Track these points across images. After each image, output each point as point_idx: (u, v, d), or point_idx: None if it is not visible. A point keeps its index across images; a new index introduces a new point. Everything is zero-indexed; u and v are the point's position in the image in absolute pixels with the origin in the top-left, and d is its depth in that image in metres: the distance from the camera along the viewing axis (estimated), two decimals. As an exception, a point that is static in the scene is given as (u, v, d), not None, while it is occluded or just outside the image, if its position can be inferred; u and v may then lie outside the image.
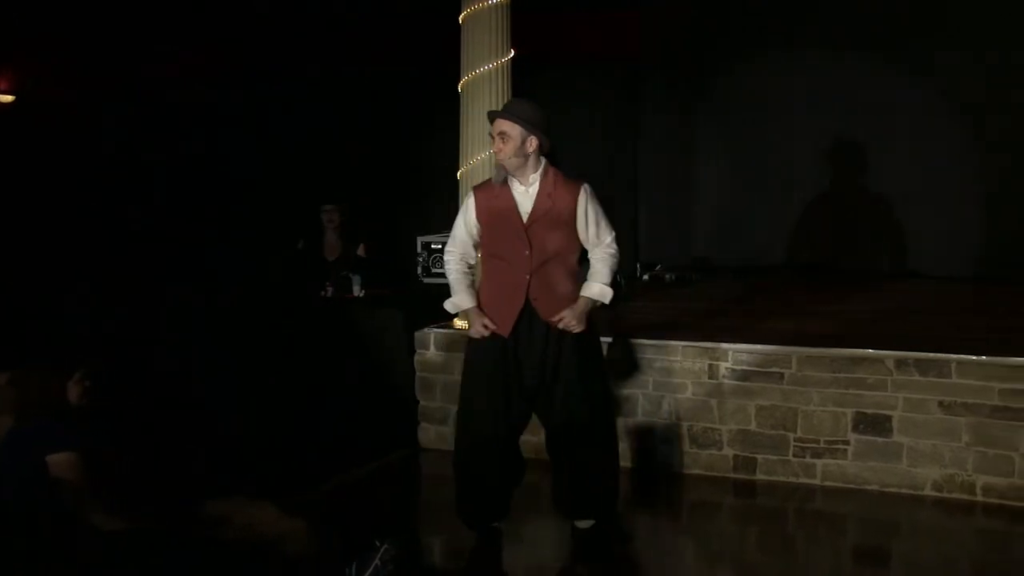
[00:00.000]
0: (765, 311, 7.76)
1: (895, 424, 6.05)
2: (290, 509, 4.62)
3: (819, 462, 6.19)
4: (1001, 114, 9.19)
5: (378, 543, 4.44)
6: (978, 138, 9.30)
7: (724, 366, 6.37)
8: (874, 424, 6.09)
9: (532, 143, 5.02)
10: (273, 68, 11.06)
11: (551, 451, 5.35)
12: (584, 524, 5.38)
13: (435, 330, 7.06)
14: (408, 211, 10.68)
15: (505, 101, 6.91)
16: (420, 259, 9.31)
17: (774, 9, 9.91)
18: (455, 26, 6.91)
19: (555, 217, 5.05)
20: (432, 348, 7.01)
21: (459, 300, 5.23)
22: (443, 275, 9.53)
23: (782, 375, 6.25)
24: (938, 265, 9.44)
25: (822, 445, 6.19)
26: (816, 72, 9.67)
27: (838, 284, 9.15)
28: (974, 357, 5.92)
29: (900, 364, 6.05)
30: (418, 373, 7.05)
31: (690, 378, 6.42)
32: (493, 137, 5.08)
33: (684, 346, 6.45)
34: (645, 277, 9.72)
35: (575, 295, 5.12)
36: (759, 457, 6.31)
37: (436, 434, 6.99)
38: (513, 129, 5.00)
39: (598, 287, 5.14)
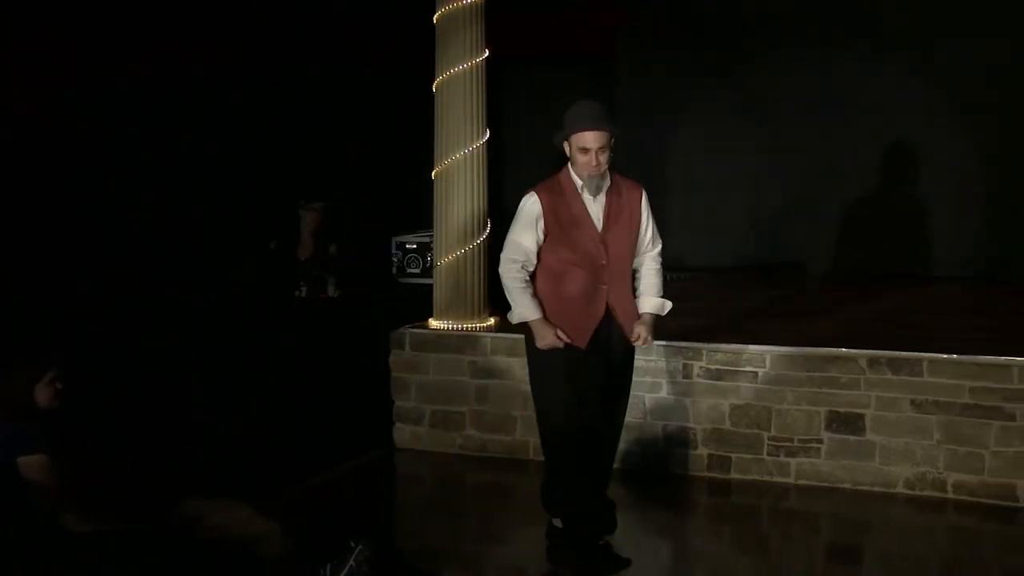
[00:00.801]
0: (743, 311, 7.77)
1: (868, 423, 6.09)
2: (264, 510, 4.60)
3: (793, 461, 6.22)
4: (1003, 114, 9.13)
5: (352, 544, 4.43)
6: (979, 137, 9.21)
7: (698, 365, 6.39)
8: (847, 423, 6.13)
9: (613, 144, 4.85)
10: (252, 67, 11.02)
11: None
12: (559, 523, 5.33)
13: (410, 330, 7.05)
14: (385, 211, 10.65)
15: (481, 100, 6.93)
16: (395, 259, 9.31)
17: (757, 6, 9.85)
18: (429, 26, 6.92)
19: (625, 222, 4.91)
20: (407, 348, 7.00)
21: (525, 311, 4.90)
22: (417, 275, 9.62)
23: (756, 374, 6.28)
24: (938, 266, 9.35)
25: (796, 444, 6.22)
26: (800, 69, 9.58)
27: (829, 284, 9.15)
28: (945, 356, 5.96)
29: (873, 363, 6.09)
30: (393, 373, 7.04)
31: (664, 377, 6.44)
32: (587, 151, 4.76)
33: (659, 345, 6.46)
34: None
35: (634, 301, 5.02)
36: (733, 456, 6.33)
37: (411, 434, 6.99)
38: (607, 138, 4.78)
39: (659, 300, 5.03)
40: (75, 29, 9.64)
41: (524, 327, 5.03)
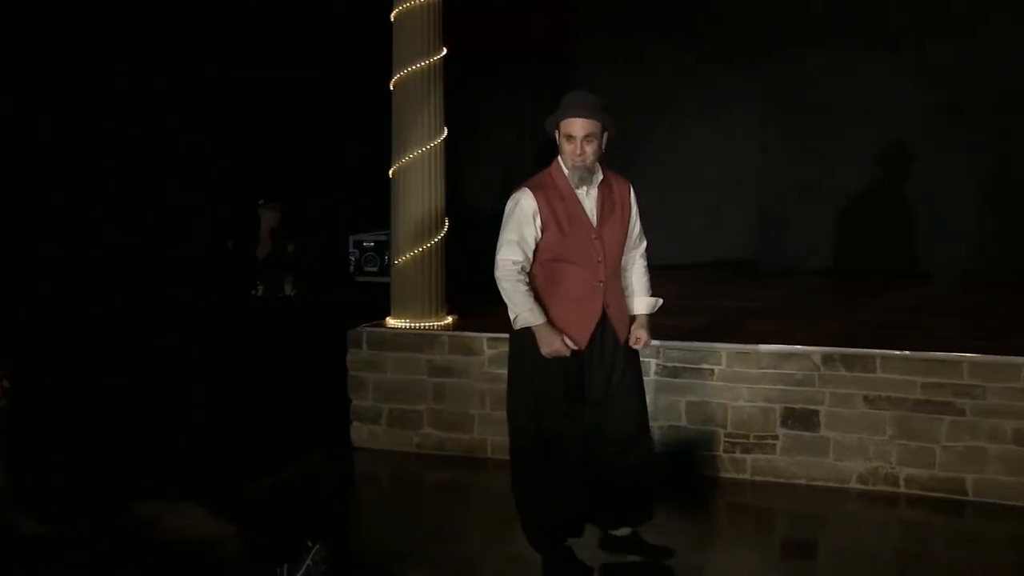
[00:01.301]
0: (712, 309, 7.77)
1: (822, 419, 6.15)
2: (220, 510, 4.58)
3: (748, 457, 6.26)
4: (1002, 114, 9.02)
5: (309, 543, 4.41)
6: (972, 136, 9.09)
7: (655, 363, 6.41)
8: (802, 419, 6.18)
9: (606, 138, 4.72)
10: (216, 66, 10.96)
11: (596, 461, 4.90)
12: (623, 532, 5.08)
13: (367, 329, 7.03)
14: (343, 209, 10.61)
15: (438, 98, 6.92)
16: (352, 257, 9.28)
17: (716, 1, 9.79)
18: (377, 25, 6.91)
19: (618, 217, 4.80)
20: (364, 347, 6.98)
21: (529, 316, 4.70)
22: (375, 273, 9.60)
23: (712, 371, 6.32)
24: (933, 265, 9.26)
25: (751, 440, 6.26)
26: (770, 66, 9.49)
27: (808, 283, 9.09)
28: (897, 352, 6.03)
29: (827, 359, 6.15)
30: (350, 372, 7.02)
31: (622, 375, 6.44)
32: (572, 139, 4.65)
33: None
34: None
35: (625, 300, 4.90)
36: (690, 453, 6.37)
37: (369, 433, 6.97)
38: (597, 127, 4.65)
39: (652, 300, 4.93)
40: (30, 31, 9.55)
41: (509, 329, 4.85)
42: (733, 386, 6.29)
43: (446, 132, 7.01)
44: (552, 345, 4.69)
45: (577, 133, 4.65)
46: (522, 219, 4.70)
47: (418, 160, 6.89)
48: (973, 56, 9.03)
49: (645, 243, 4.98)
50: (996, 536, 5.61)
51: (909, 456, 6.00)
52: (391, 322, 7.06)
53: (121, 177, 10.46)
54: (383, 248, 8.97)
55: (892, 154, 9.36)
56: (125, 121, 10.35)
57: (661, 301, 4.98)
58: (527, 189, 4.74)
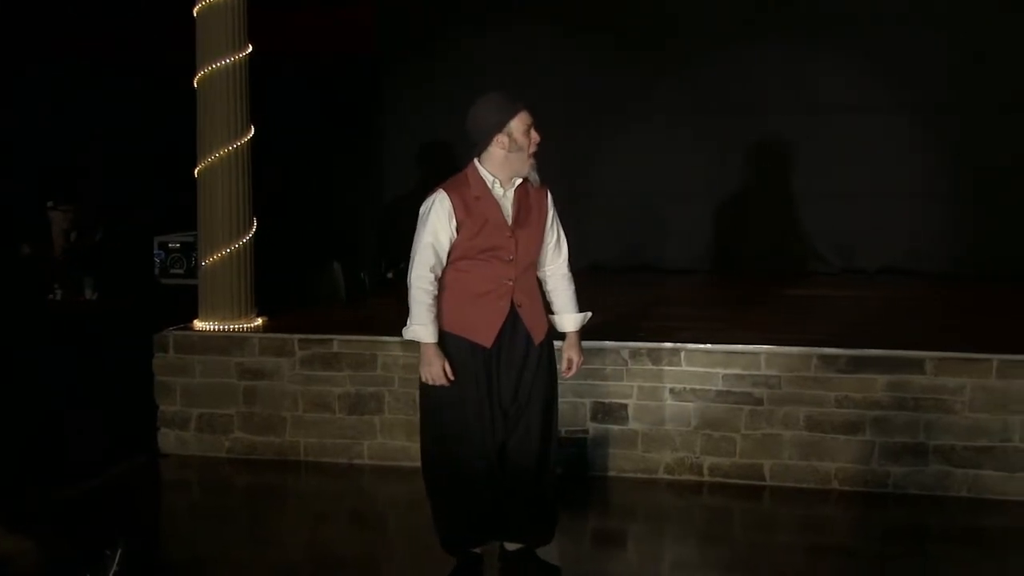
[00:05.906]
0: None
1: (631, 412, 6.33)
2: (18, 525, 4.39)
3: (560, 452, 6.36)
4: (920, 112, 9.13)
5: (116, 544, 4.30)
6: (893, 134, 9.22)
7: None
8: (611, 412, 6.35)
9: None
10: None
11: (503, 479, 4.79)
12: (514, 547, 4.95)
13: (174, 332, 6.85)
14: (148, 210, 10.28)
15: (244, 96, 6.80)
16: (157, 259, 9.03)
17: None
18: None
19: (534, 219, 4.72)
20: (171, 351, 6.79)
21: (421, 331, 4.60)
22: (181, 276, 9.33)
23: (523, 368, 6.38)
24: (866, 263, 9.38)
25: (563, 435, 6.37)
26: (567, 60, 9.71)
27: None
28: (700, 345, 6.27)
29: (635, 354, 6.33)
30: (157, 377, 6.82)
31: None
32: (531, 127, 4.62)
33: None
34: (389, 275, 9.61)
35: (543, 304, 4.80)
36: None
37: (176, 439, 6.79)
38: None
39: (580, 316, 4.85)
40: None
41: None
42: (544, 382, 6.37)
43: (253, 131, 6.89)
44: (432, 368, 4.61)
45: (529, 123, 4.63)
46: (438, 221, 4.61)
47: (224, 160, 6.76)
48: (896, 49, 9.10)
49: (566, 251, 4.86)
50: (791, 518, 5.90)
51: (712, 445, 6.24)
52: (199, 325, 6.89)
53: None
54: (190, 249, 8.74)
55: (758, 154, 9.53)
56: None
57: (589, 314, 4.90)
58: (442, 191, 4.65)
